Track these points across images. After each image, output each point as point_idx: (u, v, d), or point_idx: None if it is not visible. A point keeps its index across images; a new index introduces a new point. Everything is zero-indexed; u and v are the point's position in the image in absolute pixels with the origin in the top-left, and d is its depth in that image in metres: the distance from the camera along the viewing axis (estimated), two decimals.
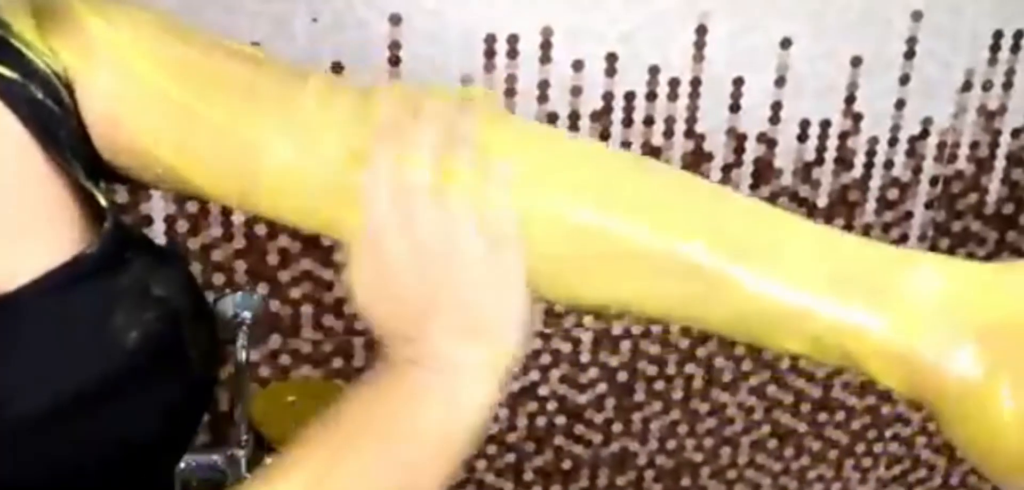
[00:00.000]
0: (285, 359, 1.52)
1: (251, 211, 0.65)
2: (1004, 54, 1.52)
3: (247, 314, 1.40)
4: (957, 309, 0.46)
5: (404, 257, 0.52)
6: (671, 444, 1.71)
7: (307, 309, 1.49)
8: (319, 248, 1.46)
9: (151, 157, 0.61)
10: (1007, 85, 1.55)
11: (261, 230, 1.44)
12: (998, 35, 1.51)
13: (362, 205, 0.54)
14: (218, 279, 1.45)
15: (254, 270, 1.46)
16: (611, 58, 1.42)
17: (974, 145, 1.58)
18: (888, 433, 1.77)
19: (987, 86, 1.54)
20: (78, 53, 0.59)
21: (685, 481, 1.75)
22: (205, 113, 0.59)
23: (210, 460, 1.39)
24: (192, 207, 1.41)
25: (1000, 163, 1.61)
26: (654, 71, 1.44)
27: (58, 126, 0.58)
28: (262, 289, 1.46)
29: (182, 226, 1.41)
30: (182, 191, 0.63)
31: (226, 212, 1.42)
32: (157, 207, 1.40)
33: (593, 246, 0.54)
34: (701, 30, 1.43)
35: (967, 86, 1.54)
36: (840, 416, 1.74)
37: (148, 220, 1.40)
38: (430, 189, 0.52)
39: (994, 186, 1.62)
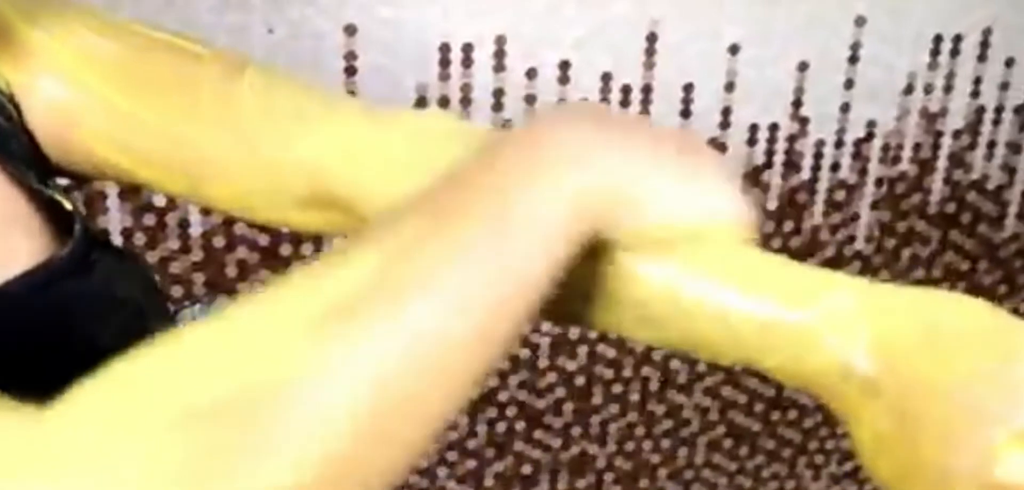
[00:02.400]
0: None
1: (206, 204, 0.65)
2: (944, 58, 1.57)
3: None
4: (861, 324, 0.48)
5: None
6: (629, 446, 1.73)
7: None
8: (278, 258, 1.47)
9: (100, 159, 0.61)
10: (947, 88, 1.60)
11: (219, 242, 1.44)
12: (938, 39, 1.55)
13: None
14: (176, 291, 1.45)
15: (212, 282, 1.46)
16: (564, 66, 1.45)
17: (917, 147, 1.63)
18: (840, 430, 1.80)
19: (928, 89, 1.59)
20: (18, 67, 0.59)
21: (643, 482, 1.77)
22: (146, 118, 0.60)
23: None
24: (149, 220, 1.41)
25: (942, 164, 1.65)
26: (607, 78, 1.47)
27: (7, 140, 0.58)
28: (221, 301, 1.46)
29: (140, 239, 1.41)
30: (141, 186, 0.65)
31: (183, 225, 1.42)
32: (114, 220, 1.39)
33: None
34: (652, 37, 1.46)
35: (909, 89, 1.58)
36: (793, 414, 1.77)
37: (104, 233, 1.39)
38: None
39: (936, 186, 1.67)
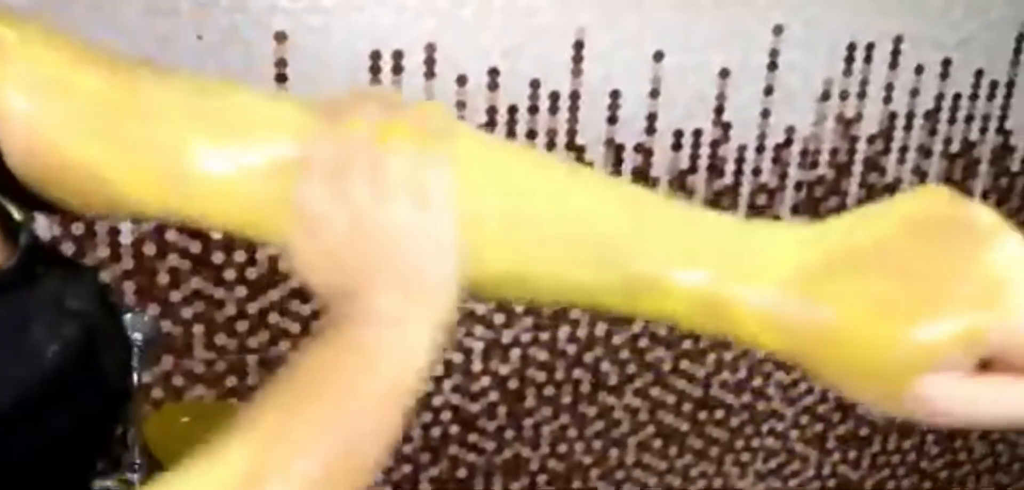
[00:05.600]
0: (178, 380, 1.51)
1: (188, 222, 0.64)
2: (858, 65, 1.63)
3: (138, 335, 1.38)
4: (810, 260, 0.51)
5: (340, 226, 0.54)
6: (561, 448, 1.76)
7: (199, 329, 1.49)
8: (210, 267, 1.46)
9: (70, 170, 0.61)
10: (862, 95, 1.66)
11: (150, 250, 1.43)
12: (852, 47, 1.62)
13: (301, 178, 0.54)
14: None
15: (143, 290, 1.45)
16: (493, 73, 1.47)
17: (834, 151, 1.69)
18: (764, 428, 1.85)
19: (844, 95, 1.65)
20: None
21: (576, 483, 1.80)
22: (125, 133, 0.58)
23: (103, 485, 1.37)
24: (78, 229, 1.40)
25: (858, 168, 1.71)
26: (535, 85, 1.50)
27: None
28: (153, 310, 1.46)
29: (69, 247, 1.40)
30: (114, 213, 0.63)
31: (113, 232, 1.42)
32: (42, 227, 1.38)
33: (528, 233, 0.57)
34: (578, 45, 1.49)
35: (825, 96, 1.64)
36: (719, 414, 1.82)
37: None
38: (367, 154, 0.54)
39: (853, 189, 1.73)
